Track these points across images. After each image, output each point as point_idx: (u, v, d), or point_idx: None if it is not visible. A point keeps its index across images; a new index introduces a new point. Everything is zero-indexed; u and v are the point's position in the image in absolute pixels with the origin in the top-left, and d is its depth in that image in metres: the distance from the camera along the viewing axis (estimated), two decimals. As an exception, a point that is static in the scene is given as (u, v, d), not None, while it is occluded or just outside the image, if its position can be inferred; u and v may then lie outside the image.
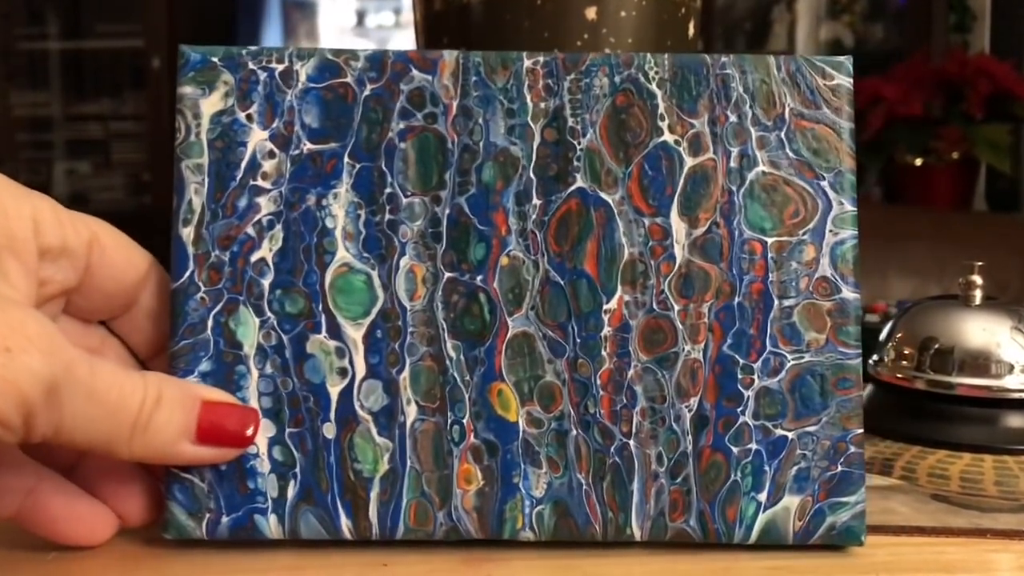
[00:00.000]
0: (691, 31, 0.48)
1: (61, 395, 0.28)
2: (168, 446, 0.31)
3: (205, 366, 0.33)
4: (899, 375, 0.48)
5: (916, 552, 0.34)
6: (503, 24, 0.45)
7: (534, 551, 0.33)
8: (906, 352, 0.48)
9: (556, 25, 0.45)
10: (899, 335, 0.48)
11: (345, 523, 0.33)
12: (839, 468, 0.33)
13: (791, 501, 0.33)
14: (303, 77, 0.34)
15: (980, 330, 0.46)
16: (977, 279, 0.47)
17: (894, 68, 1.84)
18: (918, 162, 1.71)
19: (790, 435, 0.33)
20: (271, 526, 0.33)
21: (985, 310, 0.47)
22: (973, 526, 0.36)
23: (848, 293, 0.34)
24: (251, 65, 0.34)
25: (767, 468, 0.33)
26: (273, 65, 0.34)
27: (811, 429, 0.33)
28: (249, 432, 0.32)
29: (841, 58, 0.35)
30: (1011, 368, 0.45)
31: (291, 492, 0.33)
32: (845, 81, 0.34)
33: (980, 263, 0.47)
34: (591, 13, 0.45)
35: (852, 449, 0.33)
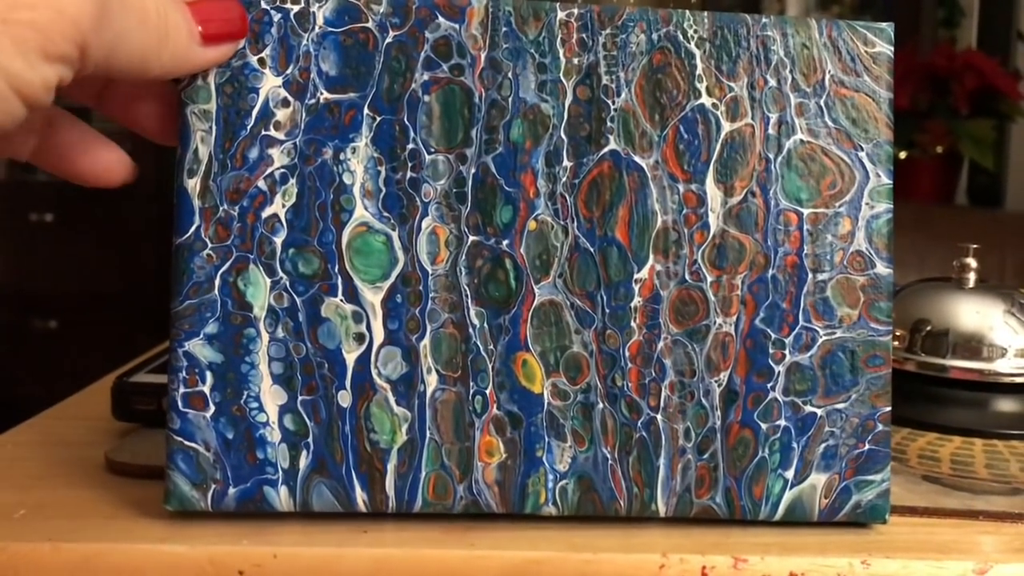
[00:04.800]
0: None
1: (109, 10, 0.24)
2: (187, 51, 0.27)
3: (212, 328, 0.29)
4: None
5: (910, 532, 0.31)
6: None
7: (513, 521, 0.30)
8: (897, 333, 0.45)
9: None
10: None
11: (360, 496, 0.29)
12: (866, 446, 0.30)
13: (818, 479, 0.30)
14: (320, 20, 0.29)
15: (973, 313, 0.44)
16: (971, 262, 0.44)
17: (881, 60, 1.79)
18: (902, 155, 1.66)
19: (819, 412, 0.30)
20: (281, 498, 0.29)
21: (978, 293, 0.44)
22: (966, 507, 0.34)
23: (882, 268, 0.31)
24: (264, 4, 0.29)
25: (795, 445, 0.30)
26: (288, 5, 0.29)
27: (840, 406, 0.30)
28: (245, 19, 0.29)
29: (883, 24, 0.31)
30: (1004, 352, 0.43)
31: (303, 463, 0.29)
32: (886, 49, 0.31)
33: (975, 246, 0.44)
34: (597, -31, 0.40)
35: (880, 427, 0.30)
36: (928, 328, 0.43)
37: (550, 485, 0.30)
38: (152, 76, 0.27)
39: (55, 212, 1.75)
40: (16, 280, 1.78)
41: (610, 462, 0.30)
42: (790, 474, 0.30)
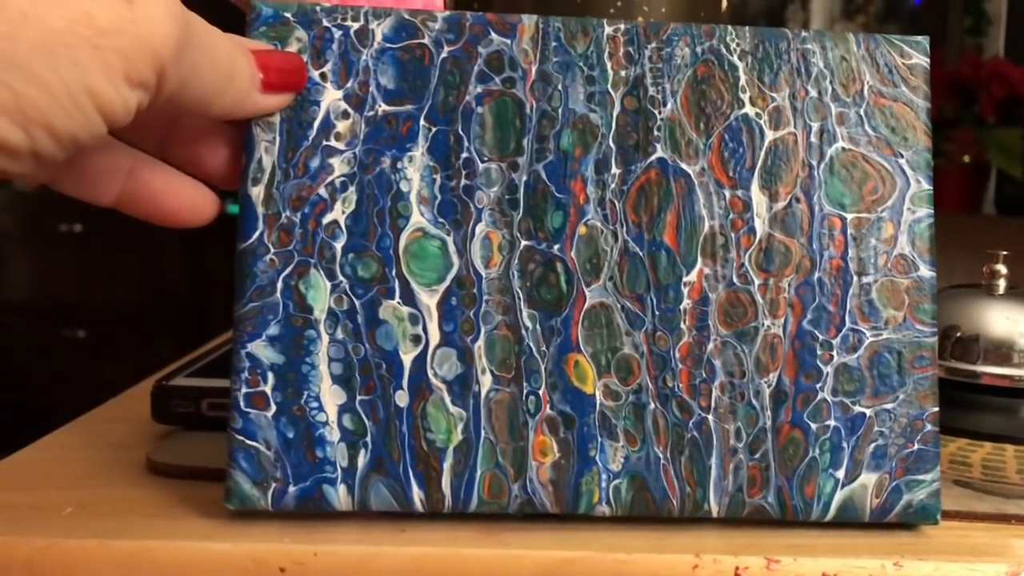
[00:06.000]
0: (724, 5, 0.45)
1: (187, 45, 0.25)
2: (247, 95, 0.28)
3: (273, 330, 0.29)
4: (922, 362, 0.45)
5: (942, 535, 0.31)
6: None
7: (547, 522, 0.30)
8: (928, 340, 0.45)
9: (589, -9, 0.41)
10: (923, 323, 0.45)
11: (417, 494, 0.29)
12: (916, 446, 0.30)
13: (868, 478, 0.30)
14: (379, 36, 0.30)
15: (1004, 319, 0.44)
16: (1001, 268, 0.44)
17: (907, 69, 1.74)
18: (929, 163, 1.64)
19: (868, 412, 0.30)
20: (340, 497, 0.29)
21: (1009, 299, 0.44)
22: (998, 511, 0.34)
23: (925, 271, 0.31)
24: (325, 22, 0.30)
25: (845, 445, 0.30)
26: (348, 23, 0.30)
27: (888, 406, 0.30)
28: (304, 71, 0.30)
29: (919, 37, 0.32)
30: (1035, 358, 0.43)
31: (361, 462, 0.29)
32: (922, 60, 0.32)
33: (1005, 252, 0.44)
34: (625, -19, 0.41)
35: (928, 427, 0.30)
36: (958, 334, 0.43)
37: (603, 484, 0.29)
38: (213, 115, 0.27)
39: (84, 223, 1.75)
40: (45, 290, 1.79)
41: (662, 462, 0.30)
42: (841, 474, 0.30)
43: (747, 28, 0.31)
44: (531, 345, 0.30)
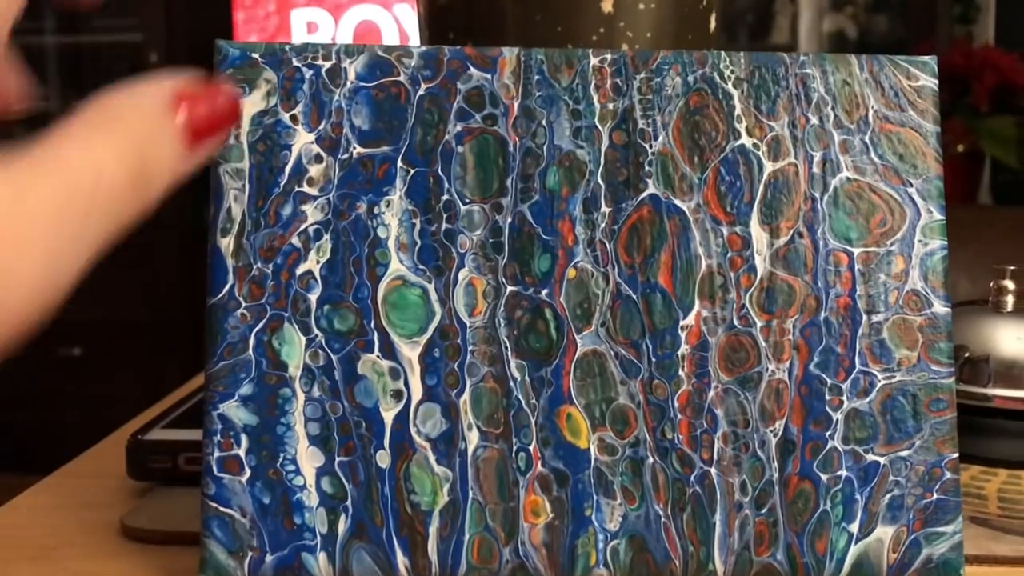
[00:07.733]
0: (712, 25, 0.42)
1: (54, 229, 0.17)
2: (173, 167, 0.20)
3: (246, 389, 0.27)
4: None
5: None
6: (513, 18, 0.39)
7: None
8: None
9: (570, 19, 0.39)
10: (932, 345, 0.43)
11: (402, 561, 0.27)
12: (934, 496, 0.28)
13: (884, 532, 0.28)
14: (352, 75, 0.28)
15: (1015, 339, 0.41)
16: (1009, 284, 0.42)
17: (897, 60, 1.69)
18: (921, 154, 1.60)
19: (882, 461, 0.28)
20: (320, 566, 0.27)
21: (1019, 317, 0.42)
22: (1017, 554, 0.31)
23: (939, 307, 0.28)
24: (295, 62, 0.28)
25: (858, 496, 0.28)
26: (319, 62, 0.28)
27: (904, 454, 0.28)
28: (239, 105, 0.24)
29: (926, 58, 0.30)
30: (1047, 379, 0.40)
31: (342, 527, 0.27)
32: (930, 82, 0.29)
33: (1012, 267, 0.42)
34: (607, 6, 0.39)
35: (948, 475, 0.28)
36: (967, 355, 0.41)
37: (600, 546, 0.27)
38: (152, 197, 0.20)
39: (78, 238, 1.74)
40: (39, 306, 1.77)
41: (663, 520, 0.27)
42: (854, 528, 0.28)
43: (742, 54, 0.29)
44: (520, 398, 0.28)
